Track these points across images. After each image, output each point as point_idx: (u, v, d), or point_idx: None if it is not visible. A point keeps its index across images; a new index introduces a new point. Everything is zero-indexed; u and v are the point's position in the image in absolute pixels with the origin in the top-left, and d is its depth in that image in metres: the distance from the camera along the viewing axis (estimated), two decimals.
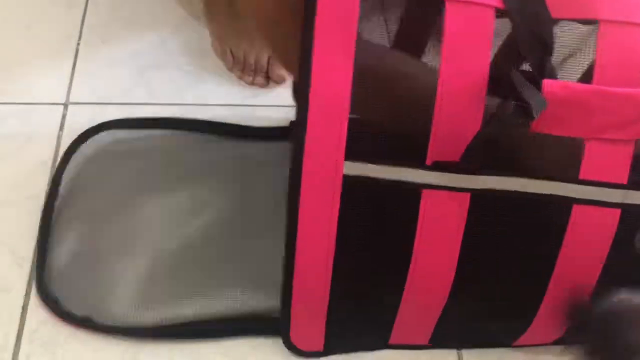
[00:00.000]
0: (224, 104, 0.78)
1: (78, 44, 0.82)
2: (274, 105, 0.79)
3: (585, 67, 0.52)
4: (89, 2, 0.87)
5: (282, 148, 0.73)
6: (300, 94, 0.44)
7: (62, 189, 0.67)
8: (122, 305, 0.59)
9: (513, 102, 0.40)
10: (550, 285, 0.50)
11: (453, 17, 0.45)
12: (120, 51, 0.82)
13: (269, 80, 0.80)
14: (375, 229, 0.48)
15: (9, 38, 0.83)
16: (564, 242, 0.48)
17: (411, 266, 0.48)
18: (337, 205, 0.46)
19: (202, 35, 0.83)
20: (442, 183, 0.46)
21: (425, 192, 0.46)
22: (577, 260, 0.49)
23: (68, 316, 0.58)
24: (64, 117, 0.74)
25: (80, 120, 0.74)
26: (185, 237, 0.64)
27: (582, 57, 0.49)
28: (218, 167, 0.70)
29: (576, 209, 0.47)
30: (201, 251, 0.63)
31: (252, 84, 0.80)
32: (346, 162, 0.45)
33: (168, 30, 0.85)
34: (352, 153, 0.45)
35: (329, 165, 0.45)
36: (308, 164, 0.45)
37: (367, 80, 0.45)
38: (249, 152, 0.72)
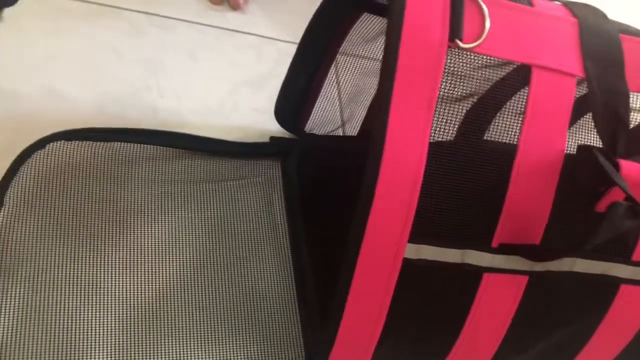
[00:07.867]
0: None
1: None
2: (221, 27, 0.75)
3: None
4: None
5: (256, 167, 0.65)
6: (370, 161, 0.37)
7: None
8: None
9: (625, 202, 0.36)
10: (579, 356, 0.49)
11: (538, 86, 0.40)
12: None
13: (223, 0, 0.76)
14: (428, 306, 0.43)
15: None
16: (605, 319, 0.47)
17: (457, 341, 0.44)
18: (392, 286, 0.41)
19: None
20: (506, 266, 0.42)
21: (486, 275, 0.42)
22: (610, 336, 0.48)
23: None
24: None
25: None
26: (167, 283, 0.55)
27: None
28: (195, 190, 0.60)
29: (623, 289, 0.45)
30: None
31: None
32: (409, 244, 0.39)
33: None
34: (415, 234, 0.39)
35: (390, 248, 0.39)
36: (367, 245, 0.39)
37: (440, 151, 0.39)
38: (228, 171, 0.63)
